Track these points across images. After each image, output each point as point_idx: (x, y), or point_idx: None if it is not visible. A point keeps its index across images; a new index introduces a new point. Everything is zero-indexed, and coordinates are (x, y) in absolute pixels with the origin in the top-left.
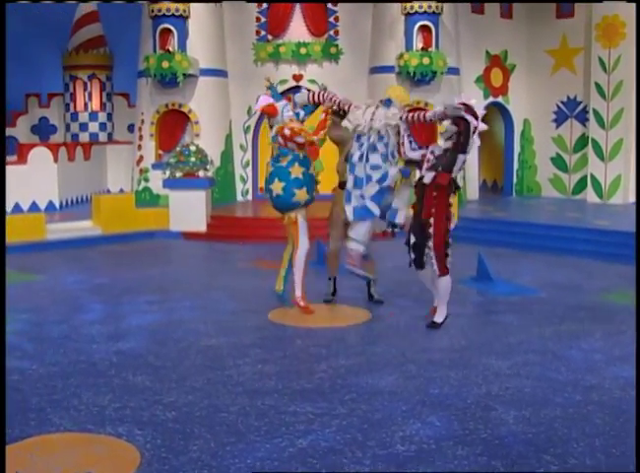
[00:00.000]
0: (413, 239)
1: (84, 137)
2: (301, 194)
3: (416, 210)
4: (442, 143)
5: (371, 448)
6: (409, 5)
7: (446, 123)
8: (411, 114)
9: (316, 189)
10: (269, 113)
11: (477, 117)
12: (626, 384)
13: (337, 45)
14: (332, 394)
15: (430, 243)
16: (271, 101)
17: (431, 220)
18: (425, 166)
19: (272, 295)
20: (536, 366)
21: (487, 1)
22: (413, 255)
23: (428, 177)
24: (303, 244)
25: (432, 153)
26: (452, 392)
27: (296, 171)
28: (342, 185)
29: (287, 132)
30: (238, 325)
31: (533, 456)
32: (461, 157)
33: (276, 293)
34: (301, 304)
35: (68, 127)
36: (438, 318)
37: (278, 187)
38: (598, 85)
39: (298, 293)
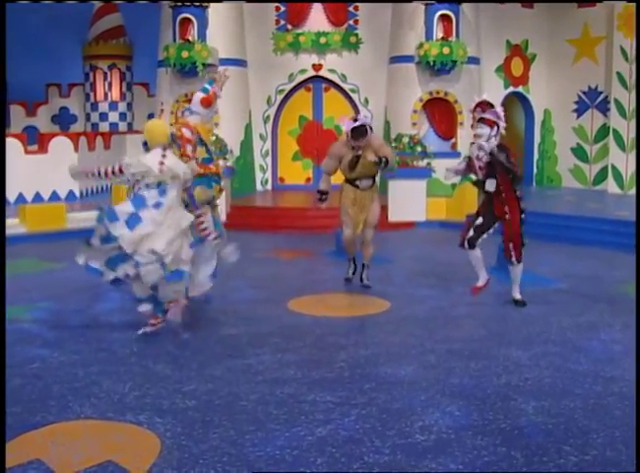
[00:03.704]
0: (480, 221)
1: (104, 127)
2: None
3: (485, 206)
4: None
5: (390, 438)
6: None
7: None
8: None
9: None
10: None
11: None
12: None
13: (356, 35)
14: (351, 384)
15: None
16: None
17: (507, 216)
18: (481, 173)
19: (291, 284)
20: (555, 356)
21: (508, 1)
22: (471, 233)
23: (491, 185)
24: None
25: (478, 159)
26: (471, 382)
27: None
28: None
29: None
30: (258, 314)
31: (552, 447)
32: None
33: None
34: None
35: (88, 117)
36: (518, 295)
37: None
38: (619, 74)
39: None
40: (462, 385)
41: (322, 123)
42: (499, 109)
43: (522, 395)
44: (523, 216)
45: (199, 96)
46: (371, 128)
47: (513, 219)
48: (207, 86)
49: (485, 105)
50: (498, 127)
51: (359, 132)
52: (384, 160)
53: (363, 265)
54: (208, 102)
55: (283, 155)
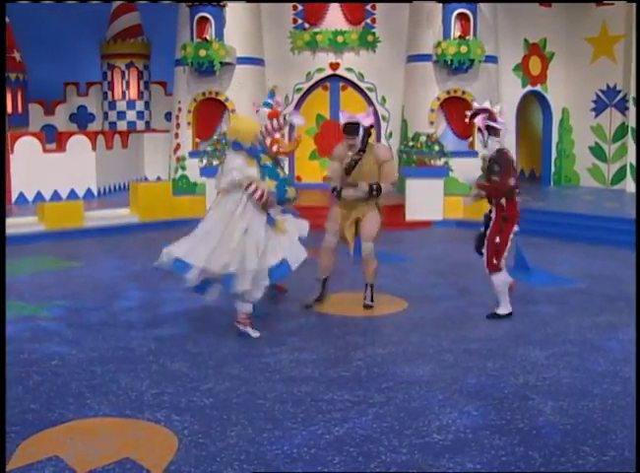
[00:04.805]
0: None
1: (121, 125)
2: (291, 191)
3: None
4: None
5: (408, 437)
6: None
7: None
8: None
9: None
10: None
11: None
12: None
13: (374, 34)
14: (369, 383)
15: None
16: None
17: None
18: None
19: (308, 283)
20: (574, 356)
21: (526, 0)
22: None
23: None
24: None
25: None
26: (489, 382)
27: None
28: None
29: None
30: (275, 313)
31: (571, 447)
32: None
33: None
34: None
35: (106, 115)
36: (500, 310)
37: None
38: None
39: None
40: (479, 385)
41: (339, 122)
42: (489, 113)
43: (540, 395)
44: (515, 227)
45: (265, 111)
46: (369, 129)
47: (492, 226)
48: (268, 100)
49: (479, 112)
50: (489, 130)
51: (349, 130)
52: (375, 187)
53: (366, 285)
54: (275, 116)
55: (300, 153)
